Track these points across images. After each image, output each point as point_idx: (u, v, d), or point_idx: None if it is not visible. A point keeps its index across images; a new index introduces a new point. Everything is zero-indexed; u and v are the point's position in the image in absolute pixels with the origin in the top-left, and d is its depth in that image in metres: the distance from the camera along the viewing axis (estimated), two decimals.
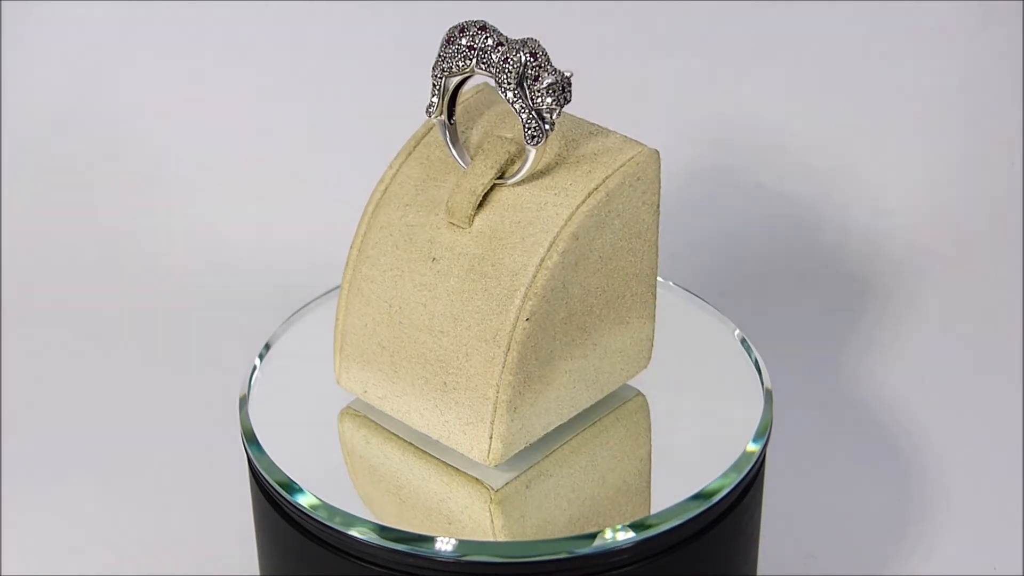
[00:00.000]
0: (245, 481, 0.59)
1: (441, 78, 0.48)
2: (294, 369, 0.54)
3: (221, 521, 0.63)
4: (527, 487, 0.49)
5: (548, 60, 0.46)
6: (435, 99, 0.48)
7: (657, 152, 0.48)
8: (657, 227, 0.50)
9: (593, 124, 0.50)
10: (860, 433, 0.68)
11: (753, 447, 0.50)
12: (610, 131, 0.49)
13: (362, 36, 0.81)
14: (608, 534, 0.46)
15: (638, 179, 0.48)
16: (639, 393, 0.52)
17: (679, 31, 0.81)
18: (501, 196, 0.48)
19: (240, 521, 0.61)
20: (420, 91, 0.80)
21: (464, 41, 0.47)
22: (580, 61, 0.80)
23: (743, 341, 0.55)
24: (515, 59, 0.46)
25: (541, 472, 0.49)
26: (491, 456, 0.48)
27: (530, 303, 0.46)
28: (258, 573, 0.54)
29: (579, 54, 0.80)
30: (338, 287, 0.58)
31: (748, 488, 0.50)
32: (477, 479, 0.49)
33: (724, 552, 0.50)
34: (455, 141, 0.49)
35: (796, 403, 0.69)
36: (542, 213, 0.47)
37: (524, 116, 0.46)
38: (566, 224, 0.47)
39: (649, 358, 0.52)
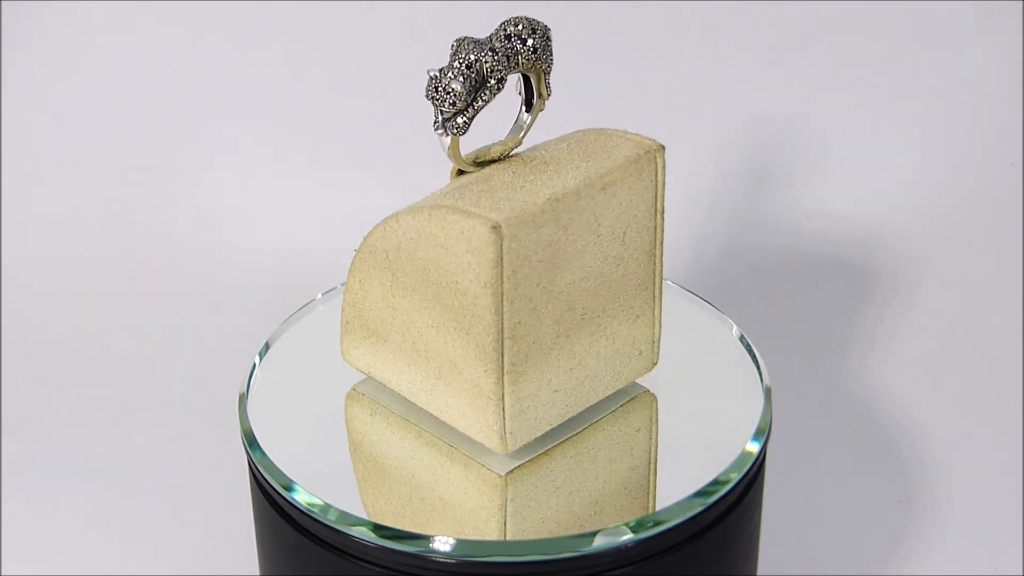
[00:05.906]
0: (245, 481, 0.59)
1: None
2: (293, 369, 0.55)
3: (221, 521, 0.63)
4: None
5: (459, 66, 0.46)
6: None
7: (497, 240, 0.45)
8: (495, 311, 0.46)
9: (592, 173, 0.48)
10: (860, 433, 0.68)
11: (753, 446, 0.50)
12: (566, 189, 0.47)
13: (370, 39, 0.81)
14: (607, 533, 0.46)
15: (461, 235, 0.46)
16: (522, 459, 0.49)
17: (681, 30, 0.81)
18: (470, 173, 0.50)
19: (240, 521, 0.61)
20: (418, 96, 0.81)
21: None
22: (582, 58, 0.80)
23: (742, 339, 0.55)
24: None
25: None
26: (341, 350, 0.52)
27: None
28: (258, 573, 0.54)
29: (581, 52, 0.80)
30: (336, 288, 0.58)
31: (748, 488, 0.50)
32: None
33: (724, 552, 0.50)
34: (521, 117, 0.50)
35: (796, 402, 0.69)
36: (445, 194, 0.48)
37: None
38: (417, 211, 0.47)
39: (503, 447, 0.48)
